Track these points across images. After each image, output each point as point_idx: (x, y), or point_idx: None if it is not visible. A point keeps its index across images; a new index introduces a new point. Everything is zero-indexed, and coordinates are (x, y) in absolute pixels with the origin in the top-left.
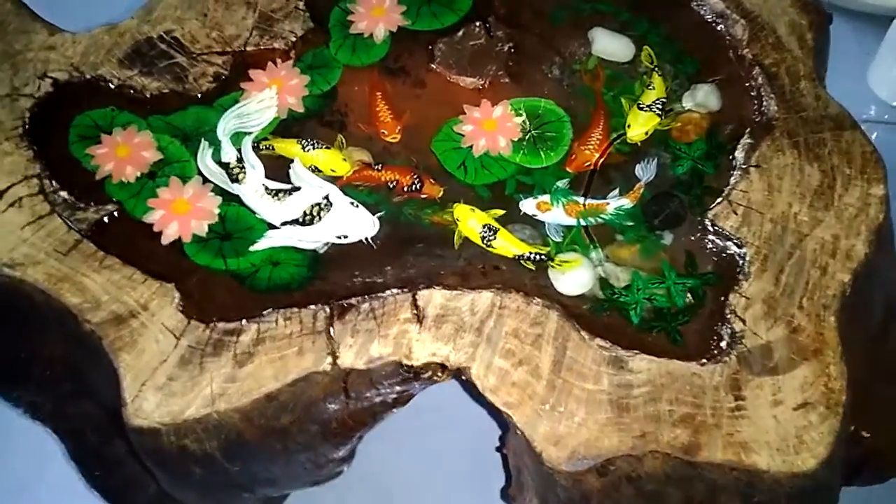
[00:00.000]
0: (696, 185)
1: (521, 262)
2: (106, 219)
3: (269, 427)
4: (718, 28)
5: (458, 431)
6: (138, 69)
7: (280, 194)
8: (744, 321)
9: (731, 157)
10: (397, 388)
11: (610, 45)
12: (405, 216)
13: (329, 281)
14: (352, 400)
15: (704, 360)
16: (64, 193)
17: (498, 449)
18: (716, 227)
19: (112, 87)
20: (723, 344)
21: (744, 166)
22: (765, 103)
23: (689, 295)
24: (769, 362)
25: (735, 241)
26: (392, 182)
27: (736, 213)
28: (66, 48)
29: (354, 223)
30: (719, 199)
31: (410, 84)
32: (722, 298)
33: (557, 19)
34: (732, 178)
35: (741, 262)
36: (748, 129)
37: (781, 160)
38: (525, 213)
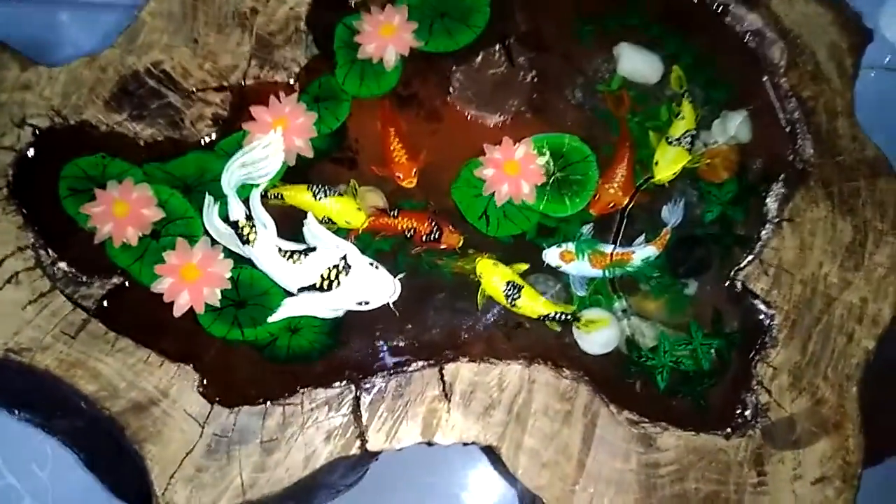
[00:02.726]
0: (725, 234)
1: (546, 322)
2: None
3: (295, 495)
4: (755, 49)
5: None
6: (127, 112)
7: (295, 256)
8: (770, 392)
9: (762, 201)
10: None
11: (637, 65)
12: (424, 265)
13: (350, 347)
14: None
15: (729, 431)
16: (63, 265)
17: None
18: (746, 288)
19: (100, 131)
20: (748, 413)
21: (776, 220)
22: (800, 143)
23: (714, 354)
24: (792, 435)
25: (765, 304)
26: (410, 231)
27: (767, 274)
28: (43, 87)
29: (375, 287)
30: (750, 258)
31: (425, 116)
32: (749, 359)
33: (583, 35)
34: (764, 232)
35: (769, 325)
36: (782, 176)
37: (815, 213)
38: (548, 264)
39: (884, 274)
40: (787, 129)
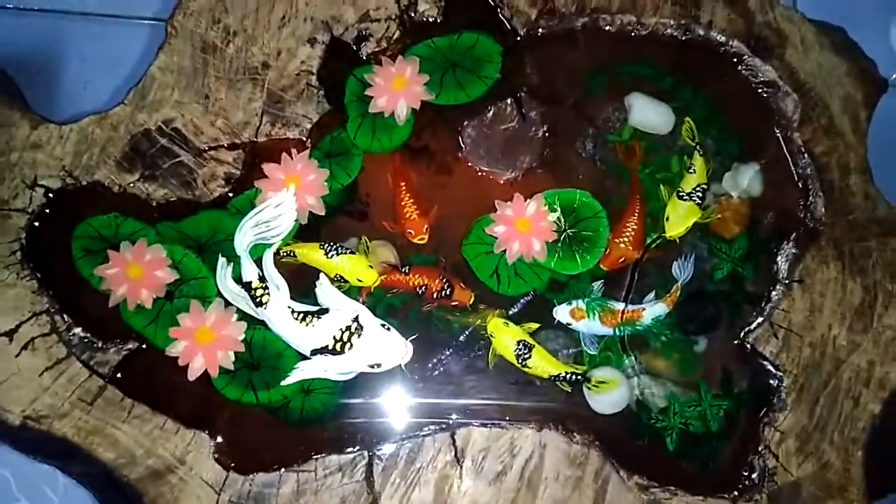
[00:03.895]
0: (735, 291)
1: (557, 382)
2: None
3: None
4: (768, 101)
5: None
6: (140, 172)
7: (308, 318)
8: (777, 456)
9: (773, 258)
10: None
11: (648, 116)
12: (435, 321)
13: (362, 407)
14: None
15: (736, 494)
16: (79, 330)
17: None
18: (756, 351)
19: (113, 192)
20: (755, 477)
21: (787, 281)
22: (811, 200)
23: (723, 415)
24: (797, 500)
25: (774, 368)
26: (421, 288)
27: (776, 337)
28: (54, 146)
29: (387, 350)
30: (760, 320)
31: (436, 169)
32: (757, 421)
33: (594, 85)
34: (775, 293)
35: (778, 389)
36: (793, 235)
37: (825, 274)
38: (559, 322)
39: (892, 336)
40: (800, 185)
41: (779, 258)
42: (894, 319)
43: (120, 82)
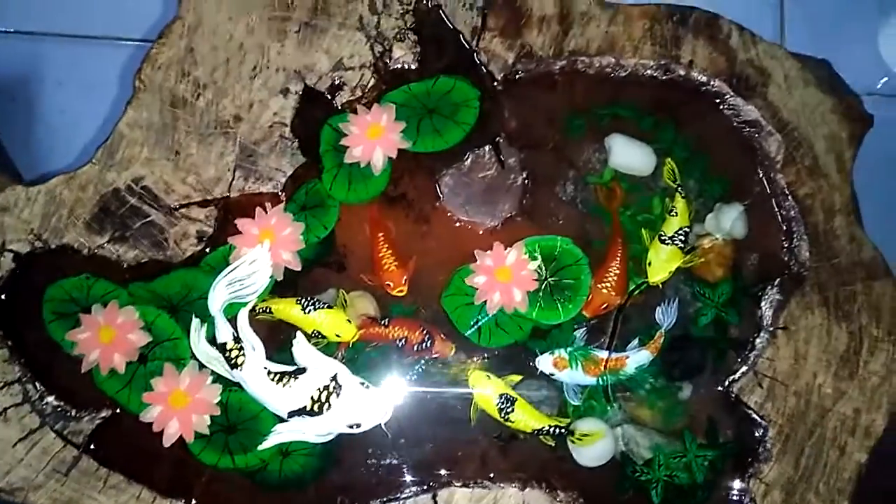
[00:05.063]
0: (720, 337)
1: (541, 437)
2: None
3: None
4: (751, 142)
5: None
6: (109, 234)
7: (285, 378)
8: None
9: (757, 302)
10: None
11: (629, 157)
12: (416, 373)
13: (343, 468)
14: None
15: None
16: (52, 399)
17: None
18: (740, 401)
19: (83, 255)
20: None
21: (771, 328)
22: (796, 243)
23: (708, 465)
24: None
25: (759, 418)
26: (401, 340)
27: (761, 387)
28: (22, 209)
29: (366, 409)
30: (745, 369)
31: (415, 218)
32: (742, 472)
33: (574, 128)
34: (759, 341)
35: (763, 439)
36: (777, 281)
37: (810, 321)
38: (542, 372)
39: (878, 383)
40: (784, 227)
41: (763, 304)
42: (880, 365)
43: (98, 107)
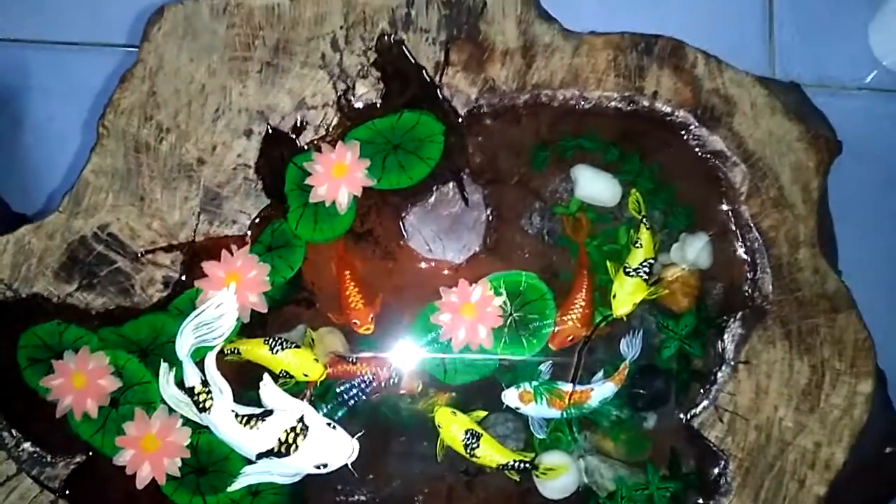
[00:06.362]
0: (682, 369)
1: (506, 472)
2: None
3: None
4: (716, 172)
5: None
6: (77, 282)
7: (252, 421)
8: None
9: (720, 335)
10: None
11: (594, 188)
12: (383, 410)
13: None
14: None
15: None
16: (28, 445)
17: None
18: (701, 436)
19: (54, 302)
20: None
21: (733, 362)
22: (759, 276)
23: (670, 497)
24: None
25: (720, 451)
26: (369, 377)
27: (722, 421)
28: None
29: (333, 449)
30: (706, 402)
31: (381, 255)
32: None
33: (538, 161)
34: (721, 375)
35: (723, 473)
36: (739, 315)
37: (772, 354)
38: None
39: (839, 416)
40: (748, 259)
41: (726, 337)
42: (841, 398)
43: (87, 115)
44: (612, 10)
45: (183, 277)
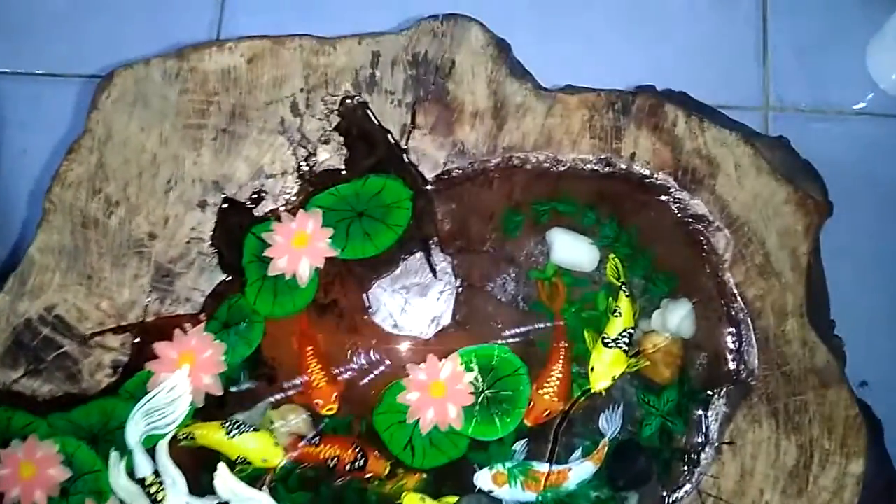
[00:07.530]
0: (664, 447)
1: None
2: None
3: None
4: (698, 237)
5: None
6: (24, 368)
7: None
8: None
9: (704, 411)
10: None
11: (570, 254)
12: (350, 494)
13: None
14: None
15: None
16: None
17: None
18: None
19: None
20: None
21: (716, 444)
22: (744, 348)
23: None
24: None
25: None
26: (332, 460)
27: None
28: None
29: None
30: (688, 487)
31: (346, 329)
32: None
33: (511, 227)
34: (704, 457)
35: None
36: (723, 391)
37: (758, 434)
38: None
39: (828, 499)
40: (732, 331)
41: (709, 414)
42: (830, 480)
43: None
44: (606, 32)
45: (133, 360)
